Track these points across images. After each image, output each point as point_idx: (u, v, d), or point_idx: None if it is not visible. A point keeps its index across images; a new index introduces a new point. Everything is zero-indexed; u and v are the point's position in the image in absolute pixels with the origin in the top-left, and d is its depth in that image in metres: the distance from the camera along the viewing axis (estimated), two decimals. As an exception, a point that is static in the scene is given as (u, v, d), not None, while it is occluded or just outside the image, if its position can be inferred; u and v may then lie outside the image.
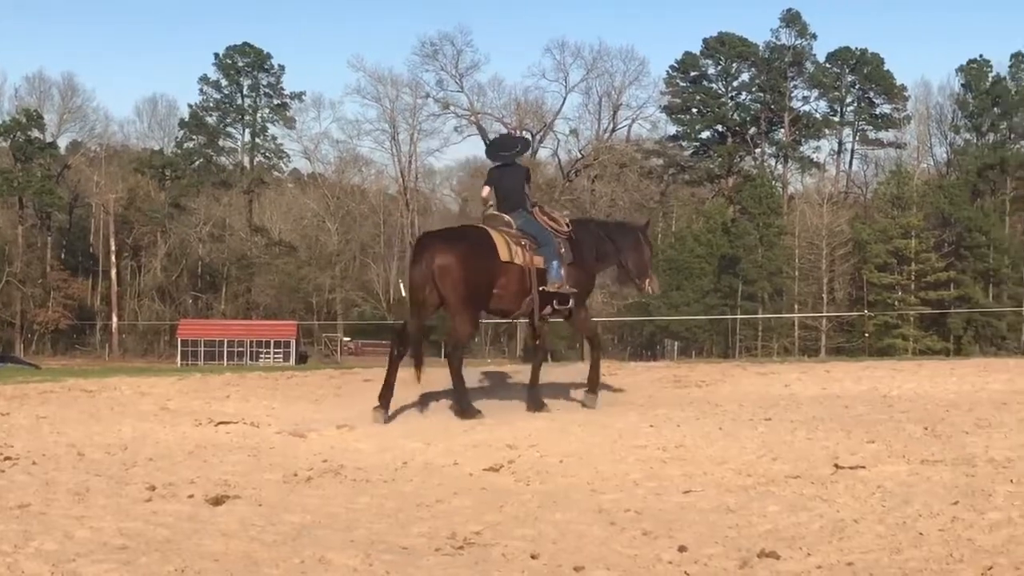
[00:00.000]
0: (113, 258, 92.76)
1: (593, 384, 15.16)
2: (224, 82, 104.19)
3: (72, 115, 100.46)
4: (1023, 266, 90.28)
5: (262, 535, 7.46)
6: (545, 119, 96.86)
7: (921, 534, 7.20)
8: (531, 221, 14.71)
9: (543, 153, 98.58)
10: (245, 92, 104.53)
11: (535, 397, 14.56)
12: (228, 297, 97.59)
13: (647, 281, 15.85)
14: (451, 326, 14.08)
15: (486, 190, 15.16)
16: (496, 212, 14.78)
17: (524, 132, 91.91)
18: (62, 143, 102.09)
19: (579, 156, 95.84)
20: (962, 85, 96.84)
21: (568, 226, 15.05)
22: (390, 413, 13.66)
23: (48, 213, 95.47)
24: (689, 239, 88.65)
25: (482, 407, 13.90)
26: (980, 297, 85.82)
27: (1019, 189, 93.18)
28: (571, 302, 14.86)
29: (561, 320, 15.35)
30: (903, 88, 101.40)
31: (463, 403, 13.82)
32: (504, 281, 14.07)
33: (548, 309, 14.75)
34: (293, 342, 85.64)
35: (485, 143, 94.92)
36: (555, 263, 14.52)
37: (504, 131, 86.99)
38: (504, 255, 14.04)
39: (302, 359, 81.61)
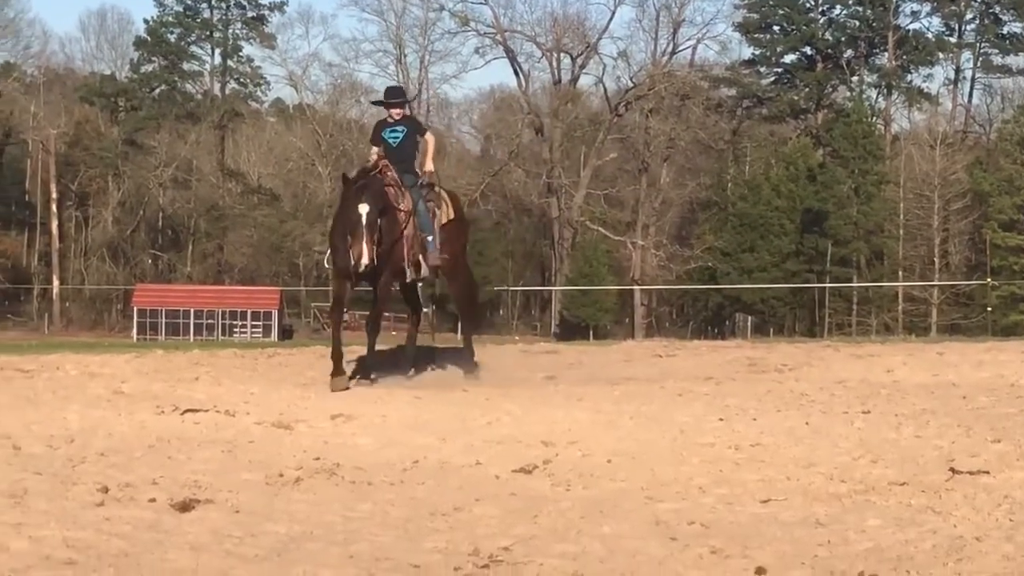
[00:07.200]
0: (54, 208, 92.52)
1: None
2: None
3: (2, 31, 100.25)
4: None
5: (240, 548, 7.47)
6: (588, 38, 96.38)
7: (1059, 556, 7.18)
8: None
9: (585, 81, 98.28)
10: (213, 2, 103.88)
11: None
12: (195, 257, 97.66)
13: None
14: None
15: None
16: None
17: (563, 55, 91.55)
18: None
19: (630, 85, 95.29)
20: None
21: None
22: None
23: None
24: (766, 188, 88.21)
25: None
26: None
27: None
28: None
29: None
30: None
31: None
32: None
33: None
34: (275, 313, 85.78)
35: (516, 69, 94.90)
36: None
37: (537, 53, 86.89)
38: None
39: (286, 334, 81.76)
